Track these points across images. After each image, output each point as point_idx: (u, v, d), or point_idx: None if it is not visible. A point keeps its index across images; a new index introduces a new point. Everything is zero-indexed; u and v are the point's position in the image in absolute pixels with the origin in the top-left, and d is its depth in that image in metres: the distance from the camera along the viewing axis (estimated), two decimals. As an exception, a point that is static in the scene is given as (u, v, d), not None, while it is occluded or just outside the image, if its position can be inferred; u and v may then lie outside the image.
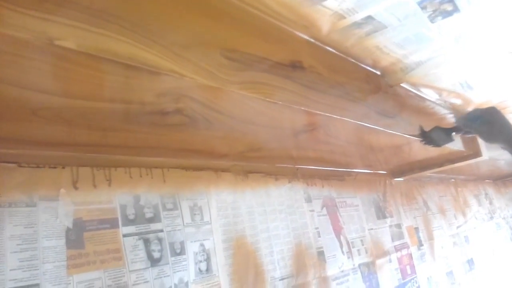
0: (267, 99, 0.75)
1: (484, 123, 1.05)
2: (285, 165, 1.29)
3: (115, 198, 0.84)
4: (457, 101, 1.28)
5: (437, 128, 1.19)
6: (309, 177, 1.41)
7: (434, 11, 0.75)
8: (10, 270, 0.65)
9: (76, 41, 0.43)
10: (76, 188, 0.77)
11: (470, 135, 1.22)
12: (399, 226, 1.80)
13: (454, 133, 1.19)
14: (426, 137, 1.20)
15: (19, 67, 0.47)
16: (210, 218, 1.02)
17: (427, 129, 1.21)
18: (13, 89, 0.51)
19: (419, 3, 0.73)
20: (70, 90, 0.58)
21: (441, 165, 1.73)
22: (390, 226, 1.74)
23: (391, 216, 1.77)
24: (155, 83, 0.65)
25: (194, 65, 0.59)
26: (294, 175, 1.34)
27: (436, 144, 1.21)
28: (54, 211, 0.73)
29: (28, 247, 0.68)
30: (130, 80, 0.62)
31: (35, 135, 0.64)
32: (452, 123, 1.26)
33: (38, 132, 0.64)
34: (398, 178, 1.92)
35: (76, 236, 0.75)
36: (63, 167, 0.77)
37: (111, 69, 0.58)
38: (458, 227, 2.32)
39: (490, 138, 1.09)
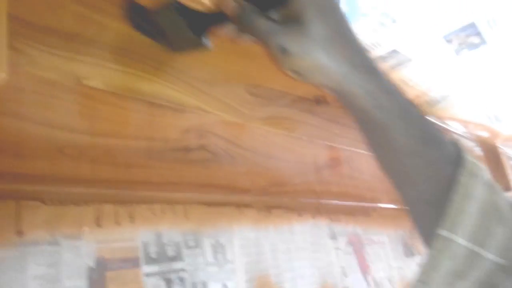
0: (291, 134, 0.75)
1: (290, 20, 0.42)
2: (308, 200, 1.27)
3: (138, 235, 0.82)
4: (485, 134, 1.25)
5: (170, 8, 0.47)
6: (333, 213, 1.38)
7: (460, 44, 0.74)
8: (32, 311, 0.64)
9: (103, 80, 0.43)
10: (99, 225, 0.76)
11: (248, 38, 0.48)
12: (428, 264, 1.73)
13: (209, 29, 0.50)
14: (142, 20, 0.49)
15: (47, 106, 0.48)
16: (233, 256, 1.00)
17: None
18: (41, 128, 0.52)
19: (445, 37, 0.72)
20: (96, 128, 0.59)
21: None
22: (419, 264, 1.67)
23: (420, 254, 1.70)
24: (179, 120, 0.65)
25: (219, 101, 0.58)
26: (317, 211, 1.31)
27: (164, 42, 0.52)
28: (77, 250, 0.72)
29: (50, 288, 0.67)
30: (154, 117, 0.63)
31: (61, 172, 0.65)
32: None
33: (64, 169, 0.64)
34: (424, 213, 1.85)
35: (98, 276, 0.73)
36: (87, 204, 0.76)
37: (136, 106, 0.58)
38: (490, 265, 2.21)
39: (299, 60, 0.41)
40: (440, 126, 1.06)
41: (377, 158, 0.48)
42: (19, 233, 0.66)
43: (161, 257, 0.87)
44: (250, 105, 0.63)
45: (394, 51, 0.74)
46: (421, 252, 1.74)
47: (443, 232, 0.40)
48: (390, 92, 0.42)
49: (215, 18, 0.49)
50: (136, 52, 0.49)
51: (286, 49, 0.41)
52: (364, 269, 1.36)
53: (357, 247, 1.39)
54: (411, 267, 1.63)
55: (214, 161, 0.77)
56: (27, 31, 0.37)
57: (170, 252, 0.89)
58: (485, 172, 0.43)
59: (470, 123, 1.18)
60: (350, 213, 1.48)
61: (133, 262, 0.82)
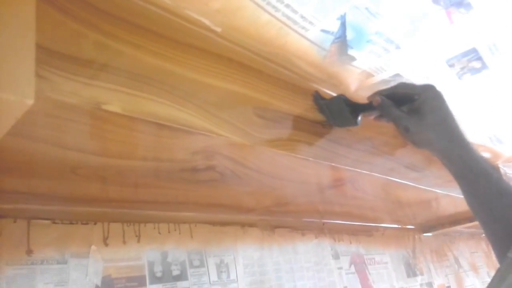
0: (296, 155, 0.76)
1: (417, 114, 0.65)
2: (311, 220, 1.27)
3: (144, 254, 0.83)
4: (486, 155, 1.26)
5: (340, 99, 0.74)
6: (336, 233, 1.38)
7: (462, 68, 0.76)
8: (39, 330, 0.64)
9: (121, 105, 0.44)
10: (106, 244, 0.77)
11: (387, 121, 0.73)
12: (430, 284, 1.72)
13: (362, 114, 0.75)
14: (321, 105, 0.76)
15: (65, 129, 0.49)
16: (237, 276, 1.00)
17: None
18: (57, 149, 0.53)
19: (447, 61, 0.74)
20: (107, 149, 0.60)
21: (471, 220, 1.67)
22: (421, 284, 1.66)
23: (422, 274, 1.70)
24: (187, 141, 0.66)
25: (227, 123, 0.60)
26: (320, 230, 1.32)
27: (332, 121, 0.77)
28: (85, 269, 0.72)
29: (58, 306, 0.67)
30: (163, 139, 0.64)
31: (71, 192, 0.66)
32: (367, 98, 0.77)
33: (75, 189, 0.65)
34: (427, 233, 1.85)
35: (104, 294, 0.74)
36: (95, 223, 0.77)
37: (146, 128, 0.60)
38: (493, 285, 2.19)
39: (415, 136, 0.66)
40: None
41: (468, 202, 0.67)
42: (29, 251, 0.67)
43: (166, 276, 0.87)
44: (257, 127, 0.64)
45: (398, 75, 0.75)
46: (423, 272, 1.74)
47: (510, 254, 0.56)
48: (475, 158, 0.64)
49: (366, 107, 0.74)
50: (149, 77, 0.51)
51: (409, 128, 0.65)
52: (367, 289, 1.36)
53: (360, 267, 1.39)
54: (414, 287, 1.63)
55: (221, 181, 0.78)
56: (50, 59, 0.39)
57: (175, 271, 0.90)
58: None
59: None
60: (353, 233, 1.49)
61: (139, 281, 0.82)
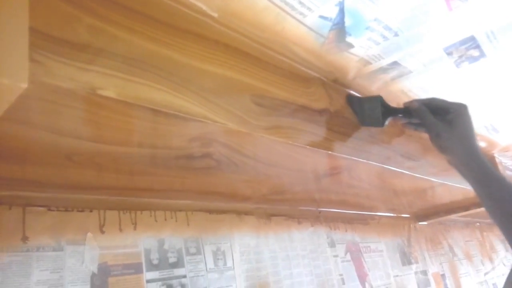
0: (294, 143, 0.75)
1: (446, 121, 0.77)
2: (308, 208, 1.27)
3: (140, 242, 0.83)
4: (482, 144, 1.26)
5: (376, 99, 0.79)
6: (332, 221, 1.39)
7: (460, 56, 0.75)
8: (35, 316, 0.64)
9: (116, 90, 0.44)
10: (102, 232, 0.77)
11: (415, 128, 0.83)
12: (425, 272, 1.74)
13: (392, 118, 0.80)
14: (354, 101, 0.81)
15: (58, 115, 0.48)
16: (233, 263, 1.00)
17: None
18: (51, 136, 0.53)
19: (445, 49, 0.73)
20: (103, 135, 0.60)
21: (467, 208, 1.69)
22: (416, 272, 1.68)
23: (417, 262, 1.71)
24: (184, 128, 0.65)
25: (225, 110, 0.59)
26: (317, 219, 1.32)
27: (360, 118, 0.82)
28: (81, 256, 0.72)
29: (54, 293, 0.67)
30: (159, 125, 0.63)
31: (67, 179, 0.65)
32: (403, 104, 0.83)
33: (70, 176, 0.65)
34: (422, 222, 1.87)
35: (100, 281, 0.74)
36: (91, 211, 0.77)
37: (142, 115, 0.59)
38: (486, 273, 2.22)
39: (445, 142, 0.77)
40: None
41: (485, 204, 0.77)
42: (25, 238, 0.67)
43: (163, 264, 0.87)
44: (254, 115, 0.64)
45: (395, 63, 0.75)
46: (418, 260, 1.76)
47: None
48: (490, 167, 0.76)
49: (399, 112, 0.81)
50: (146, 62, 0.50)
51: (441, 135, 0.77)
52: (362, 277, 1.37)
53: (355, 255, 1.40)
54: (409, 276, 1.64)
55: (217, 168, 0.78)
56: (45, 43, 0.38)
57: (172, 258, 0.90)
58: None
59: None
60: (349, 221, 1.49)
61: (135, 269, 0.83)
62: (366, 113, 0.80)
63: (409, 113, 0.81)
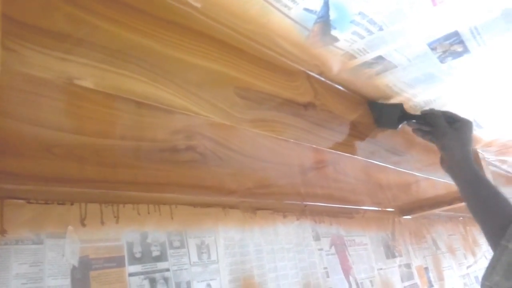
0: (279, 137, 0.75)
1: (455, 130, 0.90)
2: (293, 202, 1.28)
3: (123, 235, 0.82)
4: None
5: (397, 106, 0.90)
6: (317, 214, 1.39)
7: (444, 52, 0.76)
8: (14, 310, 0.63)
9: (94, 81, 0.43)
10: (83, 225, 0.76)
11: (422, 135, 0.93)
12: (408, 266, 1.76)
13: (406, 122, 0.92)
14: (376, 106, 0.93)
15: (37, 106, 0.47)
16: (217, 257, 1.00)
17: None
18: (29, 127, 0.51)
19: (429, 44, 0.74)
20: (84, 127, 0.59)
21: (450, 203, 1.71)
22: (400, 266, 1.70)
23: (400, 256, 1.73)
24: (168, 121, 0.65)
25: (209, 103, 0.59)
26: (302, 212, 1.33)
27: (377, 120, 0.93)
28: (61, 249, 0.71)
29: (33, 287, 0.66)
30: (142, 118, 0.62)
31: (47, 171, 0.64)
32: (419, 111, 0.96)
33: (50, 168, 0.63)
34: (406, 216, 1.89)
35: (82, 275, 0.73)
36: (72, 204, 0.76)
37: (124, 107, 0.58)
38: (468, 267, 2.26)
39: (448, 141, 0.90)
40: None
41: (469, 203, 0.87)
42: (3, 231, 0.65)
43: (146, 257, 0.87)
44: (239, 108, 0.63)
45: (380, 57, 0.75)
46: (402, 254, 1.78)
47: (503, 242, 0.74)
48: (478, 171, 0.88)
49: (415, 118, 0.92)
50: (127, 53, 0.49)
51: (446, 134, 0.89)
52: (347, 270, 1.38)
53: (340, 249, 1.41)
54: (392, 269, 1.66)
55: (202, 162, 0.77)
56: (19, 31, 0.37)
57: (155, 252, 0.89)
58: None
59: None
60: (334, 215, 1.50)
61: (118, 262, 0.82)
62: (384, 116, 0.92)
63: (423, 119, 0.92)
